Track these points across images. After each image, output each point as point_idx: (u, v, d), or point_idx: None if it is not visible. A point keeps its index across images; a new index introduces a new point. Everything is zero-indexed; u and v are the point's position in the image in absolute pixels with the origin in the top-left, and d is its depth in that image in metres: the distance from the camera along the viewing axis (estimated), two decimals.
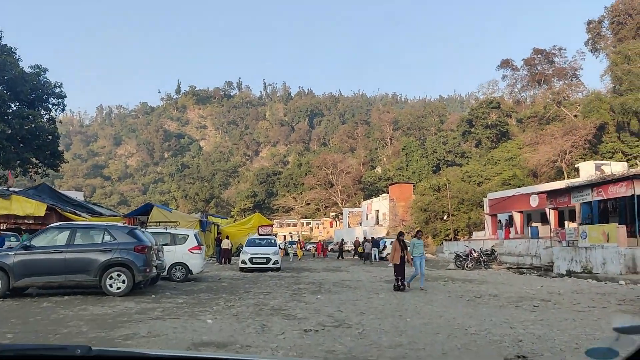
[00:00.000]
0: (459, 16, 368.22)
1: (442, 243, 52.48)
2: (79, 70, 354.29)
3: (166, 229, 19.00)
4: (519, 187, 48.26)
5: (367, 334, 8.15)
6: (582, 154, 55.15)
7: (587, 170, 39.70)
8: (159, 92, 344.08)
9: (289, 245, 50.91)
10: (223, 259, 31.63)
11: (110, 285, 12.86)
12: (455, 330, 8.59)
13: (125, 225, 14.99)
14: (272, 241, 26.29)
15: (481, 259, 26.80)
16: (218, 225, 46.37)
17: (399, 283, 15.30)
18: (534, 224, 39.66)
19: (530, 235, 38.48)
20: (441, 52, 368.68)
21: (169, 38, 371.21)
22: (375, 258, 38.30)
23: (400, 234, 16.86)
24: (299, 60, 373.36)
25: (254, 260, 23.15)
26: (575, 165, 45.79)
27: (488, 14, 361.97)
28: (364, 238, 42.98)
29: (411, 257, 16.07)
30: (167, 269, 17.65)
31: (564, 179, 50.28)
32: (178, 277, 17.82)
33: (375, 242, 39.73)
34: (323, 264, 30.93)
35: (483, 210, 57.59)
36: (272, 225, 49.18)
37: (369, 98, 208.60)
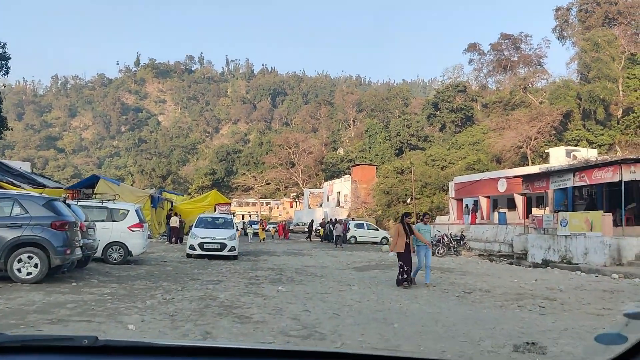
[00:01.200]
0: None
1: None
2: (34, 37, 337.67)
3: (102, 202, 16.19)
4: (482, 172, 46.89)
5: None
6: (547, 140, 54.24)
7: (558, 156, 38.36)
8: (117, 64, 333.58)
9: (249, 225, 48.25)
10: (173, 238, 28.87)
11: (19, 270, 10.16)
12: (463, 344, 6.35)
13: (43, 195, 12.23)
14: (229, 221, 21.09)
15: (451, 244, 24.89)
16: (172, 202, 43.44)
17: (404, 277, 12.15)
18: (501, 210, 38.12)
19: (497, 221, 36.98)
20: (405, 36, 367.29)
21: (129, 6, 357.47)
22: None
23: (406, 215, 13.15)
24: (262, 37, 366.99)
25: (205, 245, 18.55)
26: (545, 151, 44.55)
27: None
28: (333, 219, 40.43)
29: (414, 246, 12.70)
30: (101, 249, 15.00)
31: (528, 165, 49.19)
32: (115, 259, 15.15)
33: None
34: (283, 247, 28.52)
35: (447, 194, 56.39)
36: (230, 204, 46.50)
37: (333, 79, 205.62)
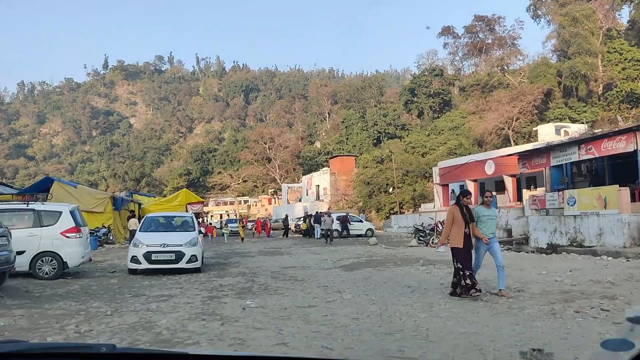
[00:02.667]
0: None
1: (389, 217, 48.38)
2: None
3: (27, 203, 13.07)
4: (465, 156, 44.56)
5: None
6: (529, 120, 52.22)
7: (546, 133, 36.04)
8: (85, 67, 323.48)
9: (226, 225, 45.05)
10: None
11: None
12: None
13: None
14: (189, 223, 14.83)
15: None
16: (140, 204, 40.17)
17: (466, 283, 8.31)
18: (493, 193, 35.65)
19: None
20: (377, 26, 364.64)
21: (94, 9, 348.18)
22: (317, 234, 33.48)
23: (464, 194, 9.11)
24: (233, 34, 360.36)
25: (154, 256, 12.94)
26: (533, 129, 42.34)
27: None
28: (318, 213, 37.49)
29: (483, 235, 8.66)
30: (28, 261, 11.95)
31: (510, 146, 47.03)
32: (46, 274, 12.06)
33: (316, 218, 34.85)
34: (260, 245, 25.49)
35: (429, 181, 54.02)
36: (202, 203, 43.34)
37: (306, 73, 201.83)
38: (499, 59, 64.13)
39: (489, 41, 70.09)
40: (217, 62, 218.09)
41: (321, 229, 29.78)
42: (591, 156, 19.48)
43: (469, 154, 46.90)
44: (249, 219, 61.92)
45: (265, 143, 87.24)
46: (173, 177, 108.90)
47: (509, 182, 35.13)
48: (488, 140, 54.46)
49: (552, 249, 20.36)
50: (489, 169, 36.37)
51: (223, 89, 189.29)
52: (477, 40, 70.91)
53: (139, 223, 26.25)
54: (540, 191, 29.73)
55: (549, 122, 51.56)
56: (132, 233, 25.52)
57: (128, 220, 27.12)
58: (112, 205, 29.95)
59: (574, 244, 19.33)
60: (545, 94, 53.47)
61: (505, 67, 65.36)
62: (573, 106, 53.00)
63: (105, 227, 28.54)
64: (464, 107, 66.68)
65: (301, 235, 38.94)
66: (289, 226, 40.69)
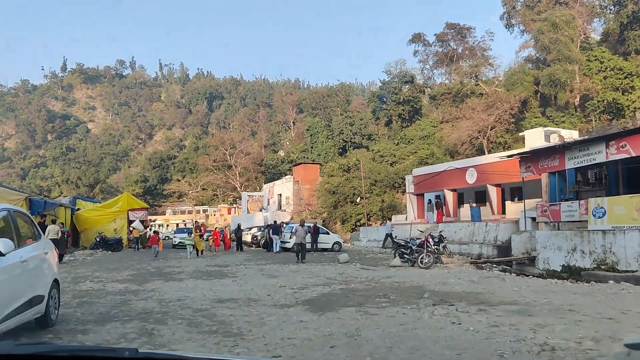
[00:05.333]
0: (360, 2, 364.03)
1: (357, 229, 43.69)
2: None
3: None
4: (443, 163, 40.34)
5: None
6: (505, 129, 48.60)
7: (535, 138, 31.80)
8: (42, 69, 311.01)
9: (177, 235, 39.15)
10: None
11: None
12: None
13: None
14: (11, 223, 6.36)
15: (437, 250, 17.50)
16: (73, 209, 34.47)
17: None
18: (473, 205, 31.31)
19: (471, 218, 30.14)
20: (343, 38, 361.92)
21: (53, 9, 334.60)
22: (276, 248, 28.41)
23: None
24: (197, 41, 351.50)
25: None
26: (520, 134, 38.34)
27: None
28: (277, 222, 32.17)
29: None
30: None
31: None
32: None
33: (275, 228, 29.77)
34: (203, 262, 20.00)
35: (398, 191, 49.77)
36: (147, 209, 37.78)
37: (271, 83, 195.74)
38: (473, 66, 60.62)
39: (460, 50, 66.83)
40: (181, 68, 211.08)
41: (294, 243, 22.40)
42: (624, 155, 15.03)
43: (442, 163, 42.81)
44: (207, 229, 53.66)
45: (225, 150, 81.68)
46: (129, 184, 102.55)
47: (494, 193, 30.84)
48: (461, 150, 50.56)
49: (570, 272, 15.88)
50: (471, 178, 32.08)
51: (186, 96, 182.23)
52: (448, 48, 67.52)
53: (59, 231, 20.93)
54: (532, 203, 25.46)
55: (524, 132, 48.21)
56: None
57: (43, 227, 21.43)
58: (29, 209, 24.23)
59: (602, 267, 14.86)
60: (522, 103, 50.02)
61: (478, 76, 62.00)
62: (551, 116, 49.61)
63: None
64: (434, 116, 62.91)
65: (260, 248, 33.75)
66: (242, 238, 35.10)
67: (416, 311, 7.76)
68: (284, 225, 32.10)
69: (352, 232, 45.09)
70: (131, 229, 35.71)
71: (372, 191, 47.38)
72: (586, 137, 21.27)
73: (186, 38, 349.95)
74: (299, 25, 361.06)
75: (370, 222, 45.59)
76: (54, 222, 21.30)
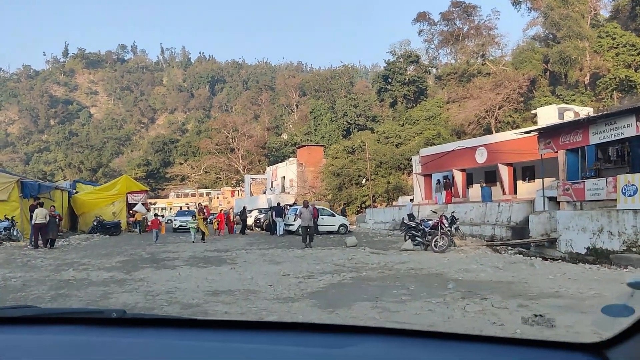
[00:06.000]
0: None
1: (364, 211, 42.48)
2: None
3: None
4: (451, 142, 39.01)
5: None
6: (514, 108, 47.06)
7: (548, 116, 30.37)
8: (44, 55, 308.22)
9: (177, 218, 37.74)
10: (40, 241, 18.87)
11: None
12: None
13: None
14: None
15: (450, 232, 16.20)
16: (70, 192, 33.29)
17: None
18: (484, 184, 29.97)
19: (481, 199, 28.83)
20: (345, 21, 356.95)
21: None
22: (280, 230, 27.21)
23: None
24: (199, 25, 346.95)
25: None
26: (530, 113, 36.89)
27: None
28: (280, 204, 30.89)
29: None
30: None
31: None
32: None
33: (278, 210, 28.52)
34: (202, 247, 18.66)
35: (404, 173, 48.56)
36: (146, 192, 36.55)
37: (274, 66, 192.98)
38: (479, 45, 58.77)
39: (466, 29, 64.98)
40: (183, 52, 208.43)
41: (300, 226, 20.76)
42: None
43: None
44: (211, 212, 50.93)
45: (228, 133, 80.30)
46: (131, 168, 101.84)
47: (505, 172, 29.53)
48: (469, 130, 49.10)
49: (597, 255, 14.61)
50: (481, 157, 30.75)
51: (188, 80, 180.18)
52: (453, 27, 65.64)
53: (47, 215, 19.67)
54: (547, 182, 24.14)
55: (536, 109, 46.79)
56: (37, 227, 18.88)
57: (31, 212, 20.20)
58: (20, 192, 23.05)
59: (634, 249, 13.59)
60: (530, 82, 48.37)
61: (484, 55, 60.19)
62: (561, 94, 47.90)
63: (7, 220, 21.67)
64: (440, 97, 61.32)
65: (263, 231, 32.52)
66: (247, 220, 33.92)
67: (444, 306, 6.50)
68: (288, 207, 30.81)
69: (357, 214, 43.94)
70: (133, 212, 34.66)
71: (378, 173, 46.23)
72: (613, 110, 19.88)
73: (187, 22, 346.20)
74: (300, 7, 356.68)
75: (376, 204, 44.44)
76: (41, 205, 20.00)
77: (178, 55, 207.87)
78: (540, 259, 13.53)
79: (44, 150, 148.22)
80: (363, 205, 45.03)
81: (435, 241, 14.76)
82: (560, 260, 13.56)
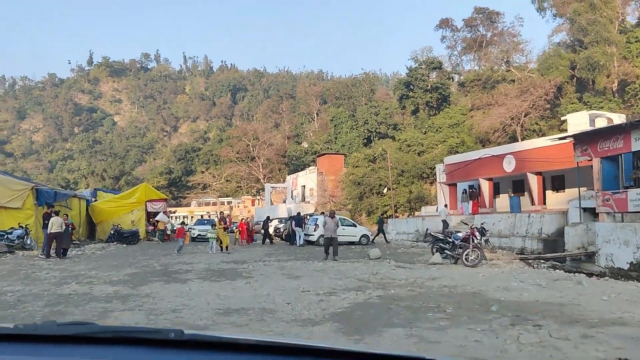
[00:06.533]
0: None
1: (385, 221, 41.43)
2: None
3: None
4: (477, 150, 37.79)
5: None
6: (540, 115, 45.63)
7: (579, 123, 29.06)
8: (69, 63, 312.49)
9: (196, 227, 36.73)
10: (53, 250, 18.18)
11: None
12: None
13: None
14: None
15: (480, 245, 15.08)
16: (89, 200, 32.83)
17: None
18: (512, 194, 28.70)
19: (510, 209, 27.58)
20: (366, 29, 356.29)
21: (80, 3, 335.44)
22: (299, 241, 26.27)
23: None
24: (221, 34, 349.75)
25: None
26: (562, 118, 35.60)
27: None
28: (300, 213, 29.76)
29: None
30: None
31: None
32: None
33: (298, 220, 27.53)
34: (218, 257, 17.72)
35: (426, 182, 47.41)
36: (165, 200, 35.94)
37: (295, 75, 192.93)
38: (504, 52, 57.42)
39: (489, 36, 63.74)
40: (205, 61, 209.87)
41: (324, 237, 18.42)
42: None
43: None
44: (233, 221, 48.65)
45: (248, 141, 79.84)
46: (154, 176, 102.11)
47: (534, 181, 28.26)
48: (493, 138, 47.75)
49: None
50: (508, 166, 29.52)
51: (210, 88, 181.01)
52: (477, 34, 64.45)
53: (62, 224, 18.99)
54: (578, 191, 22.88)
55: (560, 118, 45.33)
56: (51, 237, 18.20)
57: (46, 219, 19.49)
58: (35, 200, 22.50)
59: None
60: (557, 88, 46.92)
61: (509, 62, 58.80)
62: (588, 101, 46.33)
63: (22, 228, 21.09)
64: (463, 104, 60.02)
65: (282, 241, 31.61)
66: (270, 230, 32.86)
67: (492, 336, 5.49)
68: (308, 217, 29.87)
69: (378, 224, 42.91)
70: (153, 221, 34.11)
71: (399, 182, 45.13)
72: None
73: (210, 31, 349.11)
74: (322, 16, 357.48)
75: (397, 214, 43.37)
76: (57, 213, 19.31)
77: (200, 64, 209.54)
78: (585, 275, 12.35)
79: (67, 158, 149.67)
80: (384, 215, 44.00)
81: (467, 255, 13.67)
82: (607, 277, 12.38)
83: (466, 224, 15.32)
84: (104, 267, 14.09)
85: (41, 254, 18.33)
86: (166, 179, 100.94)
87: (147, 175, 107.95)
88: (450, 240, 14.91)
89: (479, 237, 14.51)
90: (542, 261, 18.01)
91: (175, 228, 43.16)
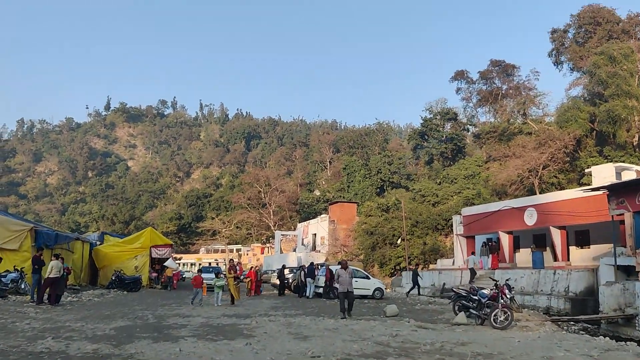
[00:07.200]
0: (397, 46, 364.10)
1: (398, 273, 39.76)
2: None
3: None
4: (496, 202, 36.35)
5: None
6: (560, 168, 44.33)
7: (604, 175, 27.70)
8: (87, 108, 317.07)
9: (199, 274, 34.59)
10: (46, 295, 16.89)
11: None
12: None
13: None
14: None
15: (510, 304, 13.55)
16: (92, 244, 31.71)
17: None
18: (535, 249, 27.09)
19: (532, 265, 25.95)
20: (381, 81, 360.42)
21: (99, 51, 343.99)
22: (309, 292, 24.77)
23: None
24: (237, 83, 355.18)
25: None
26: (586, 170, 34.25)
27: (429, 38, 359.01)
28: (313, 264, 27.93)
29: None
30: None
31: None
32: None
33: (309, 270, 26.07)
34: (220, 310, 16.34)
35: (441, 234, 45.88)
36: (171, 246, 34.60)
37: (309, 124, 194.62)
38: (520, 104, 56.69)
39: (505, 88, 63.36)
40: (221, 108, 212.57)
41: (339, 292, 15.78)
42: None
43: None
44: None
45: (260, 187, 78.99)
46: (163, 221, 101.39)
47: (557, 236, 26.75)
48: (510, 190, 46.32)
49: None
50: (530, 219, 28.12)
51: (224, 135, 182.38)
52: (492, 86, 64.16)
53: (61, 268, 17.78)
54: (607, 248, 21.43)
55: (579, 172, 43.96)
56: (48, 282, 16.97)
57: (37, 264, 18.21)
58: (33, 242, 21.37)
59: None
60: (576, 141, 45.81)
61: (526, 114, 58.01)
62: (609, 155, 45.04)
63: (17, 271, 19.90)
64: (479, 155, 59.03)
65: (291, 292, 29.98)
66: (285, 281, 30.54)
67: None
68: (319, 267, 28.38)
69: (392, 276, 41.14)
70: (157, 267, 32.93)
71: (413, 233, 43.70)
72: None
73: (227, 80, 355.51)
74: (336, 67, 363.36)
75: (411, 266, 41.68)
76: (57, 257, 18.10)
77: (216, 111, 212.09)
78: (568, 330, 10.81)
79: (80, 202, 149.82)
80: (397, 267, 42.36)
81: (495, 315, 12.20)
82: (612, 336, 10.85)
83: (495, 280, 13.80)
84: (93, 317, 12.76)
85: (31, 300, 17.05)
86: (176, 224, 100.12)
87: (157, 221, 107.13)
88: (476, 297, 13.45)
89: (508, 296, 13.06)
90: (572, 323, 16.41)
91: (183, 275, 41.74)
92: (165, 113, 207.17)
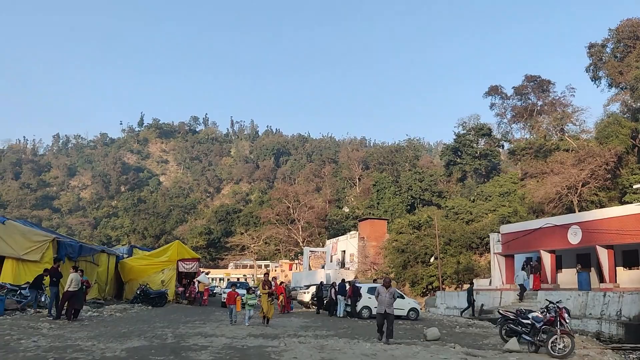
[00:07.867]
0: (432, 63, 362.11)
1: (432, 293, 38.02)
2: (37, 97, 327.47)
3: None
4: (537, 220, 34.47)
5: None
6: (599, 186, 42.21)
7: None
8: (121, 124, 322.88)
9: (227, 290, 33.10)
10: (63, 310, 16.00)
11: None
12: None
13: None
14: None
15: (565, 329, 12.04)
16: (118, 257, 30.98)
17: None
18: (581, 269, 25.27)
19: (578, 286, 24.14)
20: (412, 97, 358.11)
21: (134, 68, 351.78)
22: (340, 311, 23.50)
23: None
24: (268, 100, 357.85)
25: None
26: (634, 187, 32.29)
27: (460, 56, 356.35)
28: (344, 280, 26.39)
29: None
30: None
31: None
32: None
33: (341, 288, 24.76)
34: (246, 330, 15.16)
35: (475, 252, 43.92)
36: (198, 260, 33.75)
37: (338, 140, 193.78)
38: (558, 119, 54.61)
39: (540, 104, 61.41)
40: (251, 125, 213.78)
41: (377, 312, 14.30)
42: None
43: None
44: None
45: (289, 203, 78.06)
46: (193, 236, 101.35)
47: (604, 256, 24.90)
48: (548, 208, 44.26)
49: None
50: (574, 237, 26.32)
51: (254, 152, 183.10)
52: (527, 102, 62.30)
53: (80, 281, 16.91)
54: None
55: (621, 190, 41.80)
56: (67, 295, 16.07)
57: (52, 275, 17.34)
58: (56, 253, 20.63)
59: None
60: (617, 158, 43.64)
61: (563, 129, 55.84)
62: None
63: (27, 284, 19.11)
64: (514, 172, 57.01)
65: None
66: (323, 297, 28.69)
67: None
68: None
69: (423, 296, 39.41)
70: (184, 282, 32.33)
71: (446, 251, 41.85)
72: None
73: (258, 97, 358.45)
74: (366, 84, 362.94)
75: (444, 286, 39.89)
76: (75, 269, 17.23)
77: (247, 128, 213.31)
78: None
79: (112, 216, 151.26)
80: (429, 286, 40.62)
81: (554, 342, 10.75)
82: None
83: (552, 302, 12.31)
84: (108, 335, 11.75)
85: (49, 315, 16.18)
86: (205, 239, 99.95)
87: (187, 235, 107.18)
88: (527, 321, 12.00)
89: (568, 321, 11.59)
90: (631, 351, 14.76)
91: (214, 291, 41.07)
92: (197, 129, 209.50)
